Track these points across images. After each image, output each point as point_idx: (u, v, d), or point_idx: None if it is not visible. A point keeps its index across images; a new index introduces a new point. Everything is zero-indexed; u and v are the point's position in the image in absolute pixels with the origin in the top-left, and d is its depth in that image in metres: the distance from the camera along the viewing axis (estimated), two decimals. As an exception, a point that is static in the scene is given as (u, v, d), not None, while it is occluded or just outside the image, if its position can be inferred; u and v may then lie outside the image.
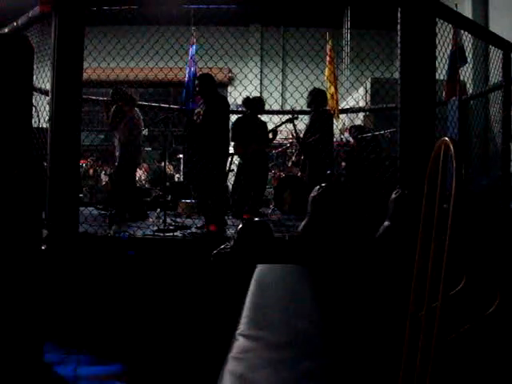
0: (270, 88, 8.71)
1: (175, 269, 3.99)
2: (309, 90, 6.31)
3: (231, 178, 7.29)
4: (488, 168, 6.81)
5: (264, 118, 8.43)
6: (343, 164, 6.62)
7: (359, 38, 8.03)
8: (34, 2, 4.54)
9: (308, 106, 6.71)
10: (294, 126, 6.79)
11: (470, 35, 5.68)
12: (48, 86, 4.46)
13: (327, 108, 6.69)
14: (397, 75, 4.40)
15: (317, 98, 6.49)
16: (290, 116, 7.02)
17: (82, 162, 8.97)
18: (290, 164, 8.34)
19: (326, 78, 7.11)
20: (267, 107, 7.96)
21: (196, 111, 5.63)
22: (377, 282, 3.20)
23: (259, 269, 2.61)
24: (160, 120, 5.77)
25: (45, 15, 4.47)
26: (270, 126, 8.68)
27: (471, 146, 6.30)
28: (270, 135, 6.81)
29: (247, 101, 6.73)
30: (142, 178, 10.83)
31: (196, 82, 5.65)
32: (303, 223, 3.83)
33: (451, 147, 1.29)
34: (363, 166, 5.65)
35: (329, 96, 6.87)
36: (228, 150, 5.69)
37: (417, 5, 4.21)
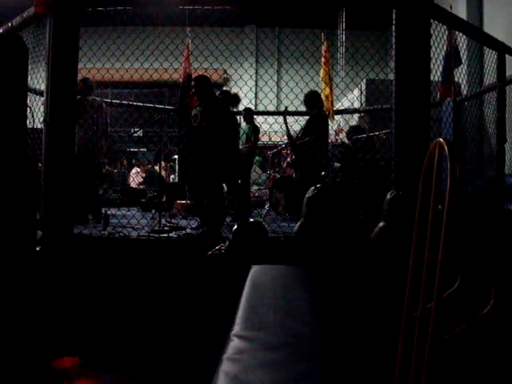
0: (265, 89, 8.71)
1: (170, 270, 3.99)
2: (303, 91, 6.32)
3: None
4: (483, 169, 6.82)
5: (259, 118, 8.43)
6: (338, 165, 6.62)
7: (354, 39, 8.04)
8: (28, 3, 4.53)
9: (309, 108, 6.69)
10: (285, 120, 6.77)
11: (464, 36, 5.69)
12: (43, 87, 4.46)
13: (323, 109, 6.70)
14: (391, 76, 4.41)
15: (310, 100, 6.49)
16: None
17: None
18: (285, 165, 8.34)
19: (321, 78, 7.12)
20: (262, 108, 7.93)
21: (193, 113, 5.63)
22: (372, 282, 3.20)
23: (254, 270, 2.61)
24: (155, 121, 5.76)
25: (39, 16, 4.46)
26: (266, 127, 8.66)
27: (466, 147, 6.32)
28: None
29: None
30: (138, 179, 10.83)
31: (192, 83, 5.65)
32: (298, 224, 3.83)
33: (446, 148, 1.29)
34: (358, 166, 5.66)
35: (324, 97, 6.88)
36: (226, 151, 5.69)
37: (411, 6, 4.22)
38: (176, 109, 8.07)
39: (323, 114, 6.60)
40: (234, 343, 1.52)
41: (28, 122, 4.06)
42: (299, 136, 6.64)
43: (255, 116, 8.26)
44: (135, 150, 12.13)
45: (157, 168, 8.90)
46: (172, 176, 10.69)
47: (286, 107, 6.80)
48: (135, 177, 10.82)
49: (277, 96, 11.88)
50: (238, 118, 10.66)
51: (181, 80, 7.48)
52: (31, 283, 2.82)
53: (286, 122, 6.74)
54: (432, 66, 4.54)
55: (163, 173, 9.73)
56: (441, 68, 5.91)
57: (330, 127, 6.91)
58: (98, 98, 6.13)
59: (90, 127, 5.86)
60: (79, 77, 4.57)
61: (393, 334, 1.70)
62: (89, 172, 5.93)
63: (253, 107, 10.70)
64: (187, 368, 3.15)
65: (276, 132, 9.84)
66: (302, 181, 6.24)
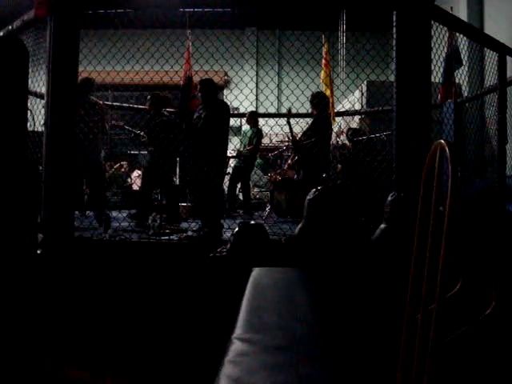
0: (265, 91, 8.70)
1: (171, 272, 3.98)
2: (304, 93, 6.33)
3: (226, 182, 7.29)
4: (484, 170, 6.82)
5: (260, 121, 8.44)
6: (339, 167, 6.63)
7: (355, 41, 8.05)
8: (29, 6, 4.53)
9: (313, 108, 6.70)
10: (289, 122, 6.77)
11: (465, 38, 5.69)
12: (43, 90, 4.46)
13: (327, 109, 6.71)
14: (392, 78, 4.41)
15: (316, 98, 6.51)
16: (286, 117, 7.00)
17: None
18: (286, 167, 8.34)
19: (321, 80, 7.13)
20: (263, 110, 7.91)
21: (195, 116, 5.63)
22: (373, 284, 3.20)
23: (255, 272, 2.61)
24: (156, 123, 5.76)
25: (40, 19, 4.46)
26: (267, 129, 8.66)
27: (467, 149, 6.31)
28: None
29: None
30: (139, 182, 10.81)
31: (198, 86, 5.65)
32: (299, 226, 3.83)
33: (447, 149, 1.29)
34: (359, 168, 5.66)
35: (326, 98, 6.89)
36: (226, 153, 5.70)
37: (412, 8, 4.22)
38: (177, 111, 8.07)
39: (326, 115, 6.61)
40: (236, 346, 1.52)
41: (29, 125, 4.06)
42: (302, 138, 6.65)
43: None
44: (136, 152, 12.12)
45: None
46: (173, 179, 10.68)
47: (290, 108, 6.81)
48: (136, 179, 10.81)
49: (278, 98, 11.89)
50: (241, 120, 10.70)
51: (181, 82, 7.48)
52: (32, 286, 2.82)
53: (289, 124, 6.75)
54: (433, 67, 4.54)
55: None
56: (441, 69, 5.91)
57: (332, 129, 6.92)
58: (94, 98, 6.10)
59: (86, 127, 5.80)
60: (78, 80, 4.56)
61: (395, 336, 1.69)
62: (88, 171, 5.91)
63: (253, 110, 10.70)
64: (189, 371, 3.15)
65: (277, 134, 9.84)
66: (307, 182, 6.24)
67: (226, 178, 7.11)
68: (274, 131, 9.44)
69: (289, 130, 6.82)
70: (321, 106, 6.51)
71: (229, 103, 5.89)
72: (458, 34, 5.89)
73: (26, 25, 4.76)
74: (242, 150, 7.96)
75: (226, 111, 5.55)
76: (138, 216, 6.11)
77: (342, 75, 8.84)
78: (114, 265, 4.10)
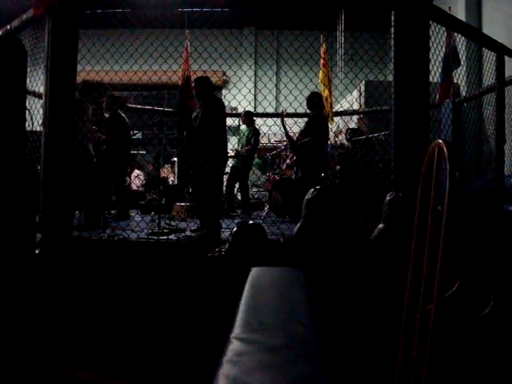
0: (264, 91, 8.71)
1: (170, 272, 3.98)
2: (308, 92, 6.36)
3: (224, 182, 7.28)
4: (482, 170, 6.82)
5: (258, 120, 8.43)
6: (337, 167, 6.63)
7: (353, 41, 8.04)
8: (27, 5, 4.53)
9: (309, 109, 6.75)
10: (283, 123, 6.79)
11: (463, 38, 5.69)
12: (42, 89, 4.45)
13: (323, 110, 6.74)
14: (390, 78, 4.41)
15: (319, 102, 6.56)
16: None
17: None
18: (284, 167, 8.33)
19: (320, 80, 7.14)
20: (261, 110, 7.90)
21: (193, 115, 5.62)
22: (372, 284, 3.20)
23: (254, 272, 2.61)
24: (154, 123, 5.75)
25: (38, 18, 4.46)
26: (265, 129, 8.65)
27: (465, 148, 6.32)
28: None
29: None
30: (138, 182, 10.80)
31: (192, 85, 5.64)
32: (298, 226, 3.83)
33: (445, 149, 1.29)
34: (357, 168, 5.65)
35: (323, 99, 6.90)
36: (226, 152, 5.69)
37: (411, 8, 4.22)
38: (175, 111, 8.07)
39: (323, 115, 6.62)
40: (234, 345, 1.52)
41: (27, 125, 4.05)
42: (299, 137, 6.67)
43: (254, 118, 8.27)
44: (134, 152, 12.11)
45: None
46: (171, 178, 10.68)
47: (283, 110, 6.84)
48: (134, 179, 10.81)
49: (276, 98, 11.90)
50: (239, 120, 10.71)
51: (180, 82, 7.48)
52: (30, 285, 2.82)
53: (283, 125, 6.77)
54: (431, 67, 4.54)
55: (166, 175, 9.73)
56: (440, 69, 5.92)
57: (329, 129, 6.93)
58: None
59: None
60: (78, 79, 4.55)
61: (393, 336, 1.70)
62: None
63: (252, 109, 10.70)
64: (187, 370, 3.15)
65: (275, 134, 9.83)
66: (305, 182, 6.24)
67: (225, 178, 7.10)
68: (272, 131, 9.44)
69: (284, 131, 6.86)
70: (318, 106, 6.54)
71: (227, 103, 5.88)
72: (456, 34, 5.89)
73: (25, 24, 4.75)
74: (240, 149, 7.96)
75: (221, 108, 5.53)
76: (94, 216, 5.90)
77: (340, 75, 8.83)
78: (113, 264, 4.10)
